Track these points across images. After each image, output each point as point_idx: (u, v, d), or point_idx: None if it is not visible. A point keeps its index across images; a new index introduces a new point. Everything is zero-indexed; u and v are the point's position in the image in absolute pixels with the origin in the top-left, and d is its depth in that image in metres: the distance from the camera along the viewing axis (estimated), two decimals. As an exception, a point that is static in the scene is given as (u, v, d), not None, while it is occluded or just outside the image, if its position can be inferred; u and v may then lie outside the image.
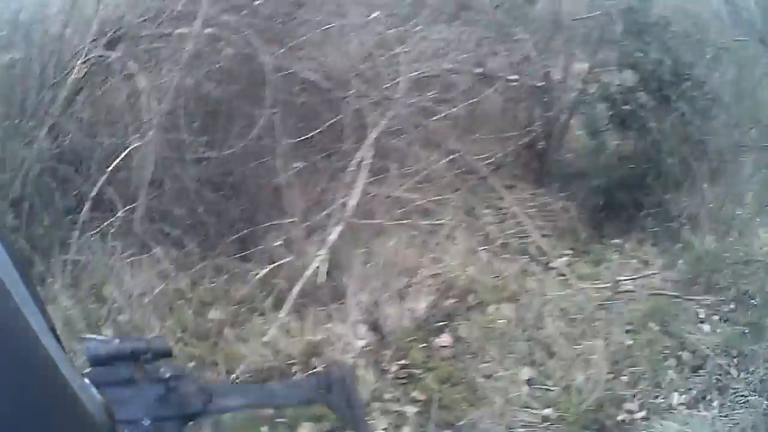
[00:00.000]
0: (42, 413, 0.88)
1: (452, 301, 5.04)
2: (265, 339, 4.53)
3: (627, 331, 4.92)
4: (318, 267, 4.80)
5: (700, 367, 4.73)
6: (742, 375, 4.62)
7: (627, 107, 6.31)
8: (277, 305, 4.75)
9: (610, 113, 6.48)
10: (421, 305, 4.93)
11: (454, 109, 5.72)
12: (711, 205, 6.13)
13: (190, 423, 1.65)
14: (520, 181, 6.39)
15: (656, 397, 4.46)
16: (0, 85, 5.45)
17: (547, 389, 4.42)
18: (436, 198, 5.51)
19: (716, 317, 5.30)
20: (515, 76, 6.34)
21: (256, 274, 4.91)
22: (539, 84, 6.32)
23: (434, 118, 5.63)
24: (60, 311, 4.45)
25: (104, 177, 5.10)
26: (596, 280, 5.47)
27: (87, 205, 5.07)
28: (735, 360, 4.78)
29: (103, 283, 4.87)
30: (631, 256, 5.96)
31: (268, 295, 4.88)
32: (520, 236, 5.73)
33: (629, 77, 6.60)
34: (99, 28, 5.35)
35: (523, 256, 5.63)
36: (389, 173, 5.32)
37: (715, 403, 4.42)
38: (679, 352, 4.84)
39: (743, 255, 5.57)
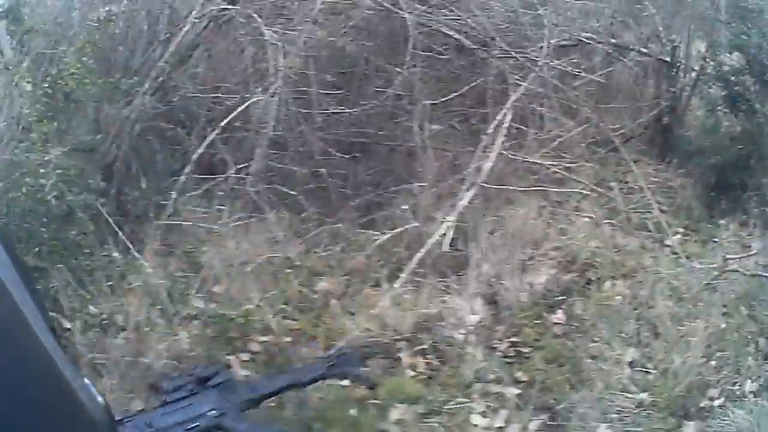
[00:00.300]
0: (42, 413, 0.89)
1: (572, 275, 4.99)
2: (373, 312, 4.32)
3: (723, 314, 4.84)
4: (443, 234, 4.64)
5: (775, 354, 4.75)
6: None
7: (737, 88, 6.30)
8: (393, 276, 4.55)
9: (723, 93, 6.46)
10: (541, 279, 4.86)
11: (591, 77, 5.71)
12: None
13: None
14: (646, 155, 6.36)
15: (734, 383, 4.36)
16: (99, 43, 4.96)
17: (647, 372, 4.36)
18: (570, 166, 5.46)
19: None
20: (645, 50, 6.30)
21: (375, 241, 4.73)
22: (666, 59, 6.27)
23: (573, 84, 5.62)
24: (145, 280, 4.23)
25: (215, 133, 4.84)
26: (704, 259, 5.41)
27: (190, 166, 4.75)
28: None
29: (203, 250, 4.62)
30: (735, 237, 5.97)
31: (385, 265, 4.70)
32: (642, 211, 5.71)
33: (738, 59, 6.57)
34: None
35: (643, 231, 5.62)
36: (526, 138, 5.28)
37: (781, 394, 4.39)
38: (759, 338, 4.74)
39: None
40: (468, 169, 4.94)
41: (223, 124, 4.84)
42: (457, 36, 5.21)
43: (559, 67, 5.42)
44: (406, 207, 5.01)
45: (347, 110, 5.25)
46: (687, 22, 6.58)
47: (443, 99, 5.22)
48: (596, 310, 4.73)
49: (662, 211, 5.84)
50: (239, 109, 4.85)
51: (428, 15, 5.16)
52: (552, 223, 5.26)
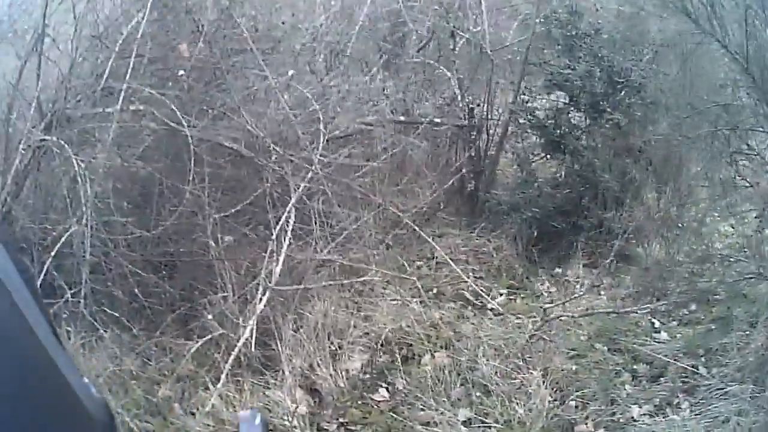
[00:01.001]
0: (42, 413, 0.89)
1: (386, 356, 5.14)
2: (206, 410, 4.58)
3: (570, 357, 5.02)
4: (248, 337, 4.82)
5: (660, 375, 4.81)
6: (715, 370, 4.68)
7: (558, 131, 6.42)
8: (217, 378, 4.77)
9: (541, 140, 6.59)
10: (356, 364, 5.04)
11: (377, 164, 5.79)
12: (659, 213, 6.18)
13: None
14: (451, 227, 6.49)
15: (612, 414, 4.51)
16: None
17: (487, 427, 4.48)
18: (364, 255, 5.58)
19: (674, 323, 5.45)
20: (438, 120, 6.43)
21: (190, 350, 4.94)
22: (463, 124, 6.40)
23: (357, 174, 5.71)
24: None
25: (49, 261, 5.02)
26: (531, 313, 5.59)
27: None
28: (703, 359, 4.86)
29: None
30: (572, 282, 6.10)
31: (210, 369, 4.94)
32: (453, 283, 5.84)
33: (559, 97, 6.70)
34: (39, 111, 5.36)
35: (459, 301, 5.76)
36: (313, 236, 5.37)
37: (684, 405, 4.47)
38: (634, 366, 4.95)
39: (701, 254, 5.55)
40: (260, 275, 5.05)
41: (53, 253, 5.02)
42: (235, 146, 5.34)
43: (339, 158, 5.51)
44: (211, 317, 5.12)
45: (149, 231, 5.35)
46: (489, 77, 6.67)
47: (233, 210, 5.33)
48: (418, 383, 4.86)
49: (478, 278, 5.98)
50: (63, 238, 5.05)
51: (209, 128, 5.30)
52: (356, 312, 5.38)
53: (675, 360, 4.87)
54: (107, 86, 5.32)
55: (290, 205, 5.10)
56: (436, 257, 6.01)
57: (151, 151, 5.64)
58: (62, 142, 5.22)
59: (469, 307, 5.72)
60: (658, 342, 5.21)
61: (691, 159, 6.38)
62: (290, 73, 5.39)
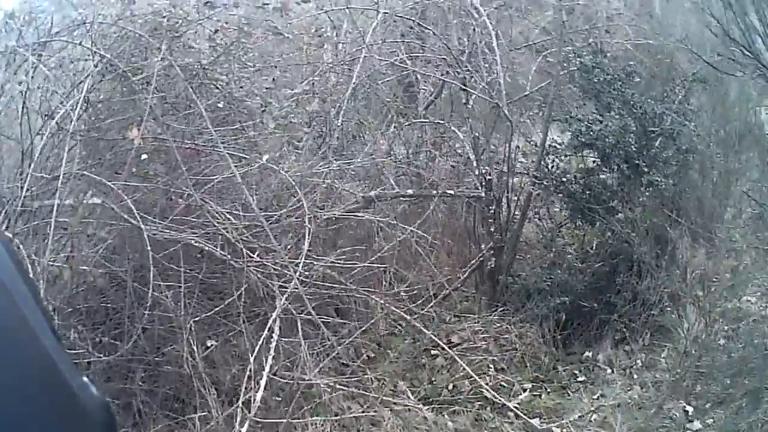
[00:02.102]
0: (42, 412, 0.89)
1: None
2: None
3: None
4: None
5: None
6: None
7: (587, 195, 5.63)
8: None
9: (569, 208, 5.81)
10: None
11: (360, 266, 4.98)
12: (694, 272, 5.35)
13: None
14: (470, 308, 5.79)
15: None
16: None
17: None
18: (351, 378, 4.87)
19: (708, 404, 4.74)
20: (452, 191, 5.67)
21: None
22: (480, 195, 5.62)
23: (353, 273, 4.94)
24: None
25: None
26: (559, 413, 4.93)
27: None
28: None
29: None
30: (602, 367, 5.38)
31: None
32: (471, 377, 5.09)
33: (587, 156, 5.94)
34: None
35: (477, 401, 5.03)
36: (300, 354, 4.58)
37: None
38: None
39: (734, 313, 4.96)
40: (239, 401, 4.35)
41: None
42: (207, 246, 4.63)
43: (318, 271, 4.73)
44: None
45: (115, 350, 4.68)
46: (506, 135, 5.88)
47: (208, 313, 4.64)
48: None
49: (498, 370, 5.25)
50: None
51: (172, 228, 4.61)
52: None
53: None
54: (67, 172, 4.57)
55: (271, 321, 4.41)
56: (452, 343, 5.34)
57: (114, 252, 4.97)
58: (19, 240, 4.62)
59: (488, 408, 5.00)
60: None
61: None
62: (264, 158, 4.67)
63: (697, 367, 4.88)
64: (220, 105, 4.84)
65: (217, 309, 4.69)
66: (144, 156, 4.59)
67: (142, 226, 4.35)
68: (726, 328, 5.01)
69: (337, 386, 4.58)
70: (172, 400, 4.87)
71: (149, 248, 4.32)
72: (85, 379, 1.09)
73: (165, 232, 4.59)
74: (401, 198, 5.67)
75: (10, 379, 0.87)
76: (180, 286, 4.59)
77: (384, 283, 5.45)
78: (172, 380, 4.88)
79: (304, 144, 5.13)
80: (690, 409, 4.78)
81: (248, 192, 4.50)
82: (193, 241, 4.62)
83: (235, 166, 4.58)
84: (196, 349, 4.62)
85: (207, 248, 4.65)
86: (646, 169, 5.42)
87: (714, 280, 5.40)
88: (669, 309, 5.49)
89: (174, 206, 4.67)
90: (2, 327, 0.89)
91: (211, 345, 4.74)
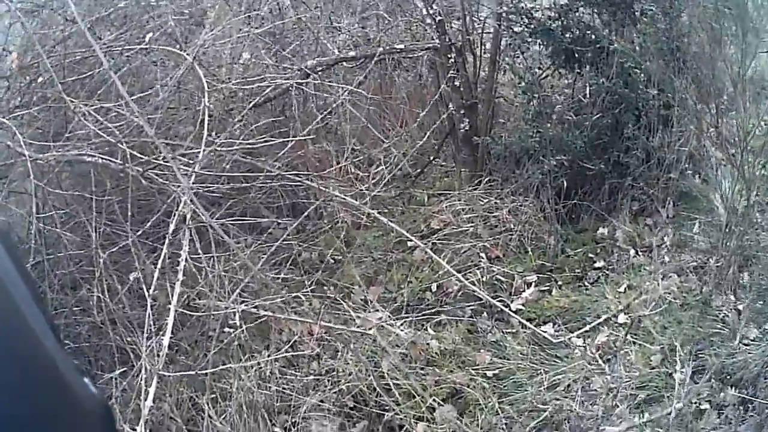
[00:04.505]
0: (41, 412, 0.88)
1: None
2: None
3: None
4: None
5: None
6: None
7: (568, 35, 4.53)
8: None
9: (548, 50, 4.60)
10: None
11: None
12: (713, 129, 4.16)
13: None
14: (449, 183, 4.77)
15: None
16: None
17: None
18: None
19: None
20: (401, 46, 4.53)
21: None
22: (435, 45, 4.47)
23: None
24: None
25: None
26: (579, 313, 3.90)
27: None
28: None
29: None
30: (624, 247, 4.33)
31: None
32: (461, 268, 4.07)
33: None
34: None
35: (469, 304, 3.99)
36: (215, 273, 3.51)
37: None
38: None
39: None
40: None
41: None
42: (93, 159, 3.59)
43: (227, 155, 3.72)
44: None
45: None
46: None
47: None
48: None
49: (494, 260, 4.18)
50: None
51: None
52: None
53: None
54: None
55: (169, 236, 3.32)
56: (433, 228, 4.37)
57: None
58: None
59: (483, 314, 3.96)
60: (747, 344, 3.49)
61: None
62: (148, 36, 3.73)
63: (741, 249, 3.83)
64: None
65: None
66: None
67: (26, 153, 3.58)
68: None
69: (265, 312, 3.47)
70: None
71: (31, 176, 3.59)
72: (85, 379, 1.00)
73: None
74: (344, 63, 4.53)
75: (9, 379, 0.82)
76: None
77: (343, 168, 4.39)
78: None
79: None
80: (741, 306, 3.73)
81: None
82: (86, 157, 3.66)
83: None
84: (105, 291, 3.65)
85: (101, 161, 3.62)
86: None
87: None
88: (689, 172, 4.48)
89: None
90: (1, 327, 0.84)
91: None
